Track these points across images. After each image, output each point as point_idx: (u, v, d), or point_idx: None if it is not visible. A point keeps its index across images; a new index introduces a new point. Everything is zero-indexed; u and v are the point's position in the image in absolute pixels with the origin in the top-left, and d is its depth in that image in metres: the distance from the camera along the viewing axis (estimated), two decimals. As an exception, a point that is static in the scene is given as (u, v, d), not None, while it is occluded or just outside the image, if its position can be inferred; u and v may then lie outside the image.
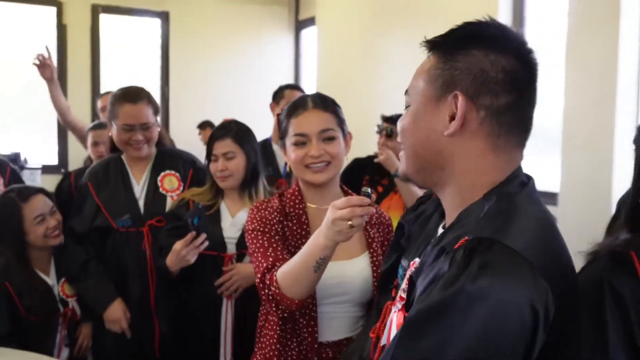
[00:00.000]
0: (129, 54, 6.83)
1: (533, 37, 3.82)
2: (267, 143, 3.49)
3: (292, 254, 1.65)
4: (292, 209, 1.76)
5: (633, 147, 1.23)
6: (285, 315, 1.62)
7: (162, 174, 2.58)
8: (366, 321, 1.45)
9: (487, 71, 1.01)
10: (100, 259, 2.54)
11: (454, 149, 1.04)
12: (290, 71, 7.34)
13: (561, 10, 3.28)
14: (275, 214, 1.74)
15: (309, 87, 6.65)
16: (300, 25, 7.28)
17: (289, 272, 1.56)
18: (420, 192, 2.51)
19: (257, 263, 1.67)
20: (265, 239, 1.70)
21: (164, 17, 6.80)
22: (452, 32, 1.06)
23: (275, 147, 3.39)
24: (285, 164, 1.82)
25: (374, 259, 1.76)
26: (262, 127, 3.60)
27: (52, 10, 6.33)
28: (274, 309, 1.62)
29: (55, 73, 3.51)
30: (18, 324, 2.38)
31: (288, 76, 7.17)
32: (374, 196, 1.52)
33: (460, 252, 0.92)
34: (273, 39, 7.27)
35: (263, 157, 3.30)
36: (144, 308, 2.52)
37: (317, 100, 1.75)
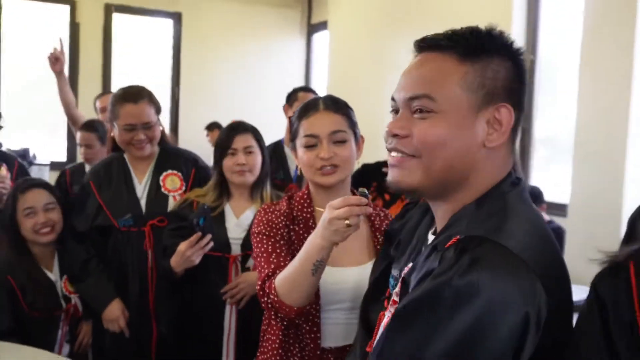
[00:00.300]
0: (140, 54, 6.86)
1: (547, 46, 3.80)
2: (279, 145, 3.48)
3: None
4: (299, 213, 1.74)
5: None
6: (285, 323, 1.60)
7: (164, 173, 2.56)
8: (356, 336, 1.43)
9: (517, 82, 1.02)
10: (101, 258, 2.54)
11: (488, 159, 1.02)
12: (301, 74, 7.34)
13: (575, 21, 3.25)
14: (282, 218, 1.72)
15: (320, 91, 6.64)
16: (312, 29, 7.29)
17: (286, 278, 1.55)
18: None
19: (259, 268, 1.67)
20: (270, 243, 1.68)
21: (177, 18, 6.82)
22: (483, 36, 1.03)
23: (287, 150, 3.37)
24: (297, 167, 1.80)
25: None
26: (272, 130, 3.59)
27: (66, 9, 6.36)
28: (273, 316, 1.61)
29: (65, 67, 3.57)
30: (20, 319, 2.38)
31: (299, 79, 7.16)
32: (370, 197, 1.52)
33: (451, 250, 0.91)
34: (285, 42, 7.27)
35: (274, 159, 3.29)
36: (143, 308, 2.51)
37: (329, 102, 1.73)
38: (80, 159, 3.59)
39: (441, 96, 1.00)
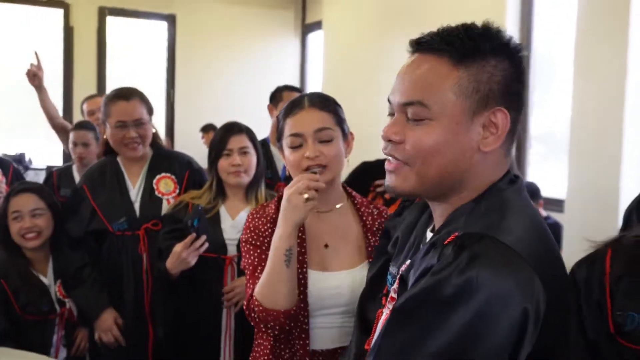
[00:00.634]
0: (135, 57, 6.84)
1: (541, 42, 3.80)
2: (264, 144, 3.45)
3: None
4: None
5: None
6: (277, 332, 1.57)
7: (158, 177, 2.56)
8: (352, 334, 1.41)
9: (515, 83, 1.01)
10: (95, 264, 2.53)
11: (483, 161, 1.01)
12: (296, 75, 7.33)
13: (570, 16, 3.25)
14: (269, 225, 1.66)
15: (315, 90, 6.63)
16: (306, 29, 7.28)
17: (264, 284, 1.53)
18: None
19: (247, 283, 1.64)
20: (256, 254, 1.64)
21: (171, 20, 6.81)
22: (477, 38, 1.00)
23: (274, 149, 3.36)
24: (284, 166, 1.79)
25: None
26: (267, 131, 3.58)
27: (59, 13, 6.34)
28: (263, 329, 1.57)
29: (43, 81, 3.59)
30: (14, 322, 2.38)
31: (294, 80, 7.16)
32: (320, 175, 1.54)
33: (449, 246, 0.91)
34: (279, 42, 7.26)
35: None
36: (139, 312, 2.51)
37: (315, 98, 1.66)
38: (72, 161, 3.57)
39: (434, 103, 0.99)
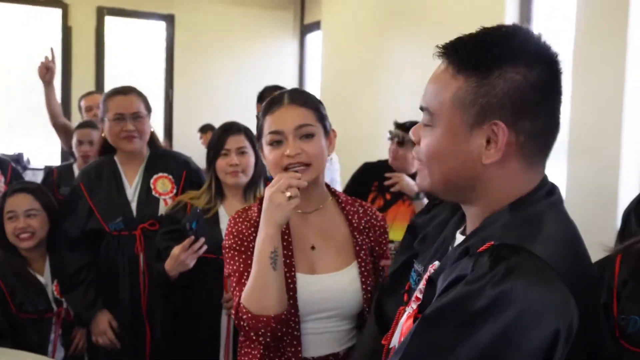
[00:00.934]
0: (134, 57, 6.84)
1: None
2: None
3: None
4: None
5: None
6: (268, 340, 1.49)
7: (155, 176, 2.55)
8: (366, 327, 1.40)
9: (526, 94, 0.95)
10: (91, 266, 2.52)
11: (491, 174, 0.99)
12: (294, 75, 7.33)
13: (569, 15, 3.26)
14: (253, 229, 1.60)
15: (314, 91, 6.63)
16: (305, 29, 7.28)
17: (251, 289, 1.47)
18: None
19: (233, 292, 1.58)
20: (241, 260, 1.58)
21: (170, 20, 6.81)
22: (481, 47, 0.97)
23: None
24: None
25: (363, 268, 1.63)
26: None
27: (58, 12, 6.34)
28: (253, 337, 1.50)
29: (54, 77, 3.55)
30: (10, 321, 2.38)
31: (292, 80, 7.16)
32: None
33: (485, 256, 0.89)
34: (278, 43, 7.26)
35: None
36: (136, 312, 2.50)
37: (295, 95, 1.61)
38: (72, 160, 3.57)
39: (436, 111, 1.00)
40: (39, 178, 5.52)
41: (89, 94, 4.09)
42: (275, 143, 1.56)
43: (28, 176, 5.18)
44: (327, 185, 1.72)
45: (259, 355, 1.58)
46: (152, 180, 2.54)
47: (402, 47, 4.66)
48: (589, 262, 1.00)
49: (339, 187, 4.40)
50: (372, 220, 1.72)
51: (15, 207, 2.46)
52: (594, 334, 0.95)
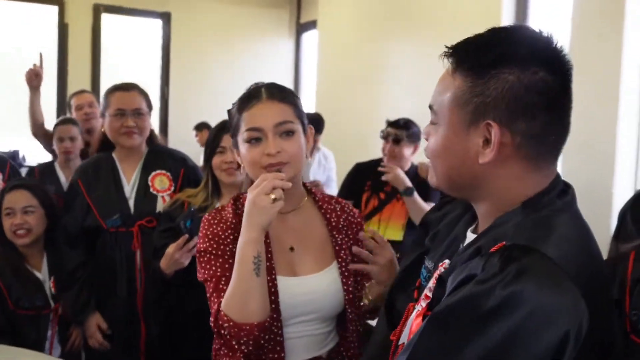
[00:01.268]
0: (130, 54, 6.83)
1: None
2: None
3: None
4: None
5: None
6: (250, 348, 1.41)
7: (153, 173, 2.55)
8: (378, 322, 1.37)
9: (521, 96, 0.94)
10: (87, 264, 2.52)
11: (490, 174, 0.99)
12: (290, 74, 7.33)
13: (565, 15, 3.27)
14: (230, 231, 1.52)
15: (309, 90, 6.64)
16: (301, 28, 7.28)
17: (232, 296, 1.39)
18: (427, 208, 2.47)
19: (210, 297, 1.49)
20: (218, 264, 1.49)
21: (166, 18, 6.80)
22: (479, 48, 0.98)
23: None
24: None
25: (343, 268, 1.58)
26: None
27: (54, 10, 6.33)
28: (235, 346, 1.42)
29: (41, 83, 3.51)
30: (7, 317, 2.38)
31: (288, 79, 7.16)
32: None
33: (496, 256, 0.89)
34: (274, 41, 7.27)
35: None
36: (132, 309, 2.51)
37: (273, 90, 1.53)
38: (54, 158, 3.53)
39: (439, 109, 1.03)
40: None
41: (80, 92, 4.05)
42: (254, 140, 1.48)
43: (23, 174, 5.15)
44: (304, 184, 1.66)
45: None
46: (150, 178, 2.55)
47: (397, 46, 4.67)
48: (601, 262, 1.00)
49: (335, 185, 4.40)
50: (350, 218, 1.68)
51: (12, 204, 2.47)
52: (604, 334, 0.95)
